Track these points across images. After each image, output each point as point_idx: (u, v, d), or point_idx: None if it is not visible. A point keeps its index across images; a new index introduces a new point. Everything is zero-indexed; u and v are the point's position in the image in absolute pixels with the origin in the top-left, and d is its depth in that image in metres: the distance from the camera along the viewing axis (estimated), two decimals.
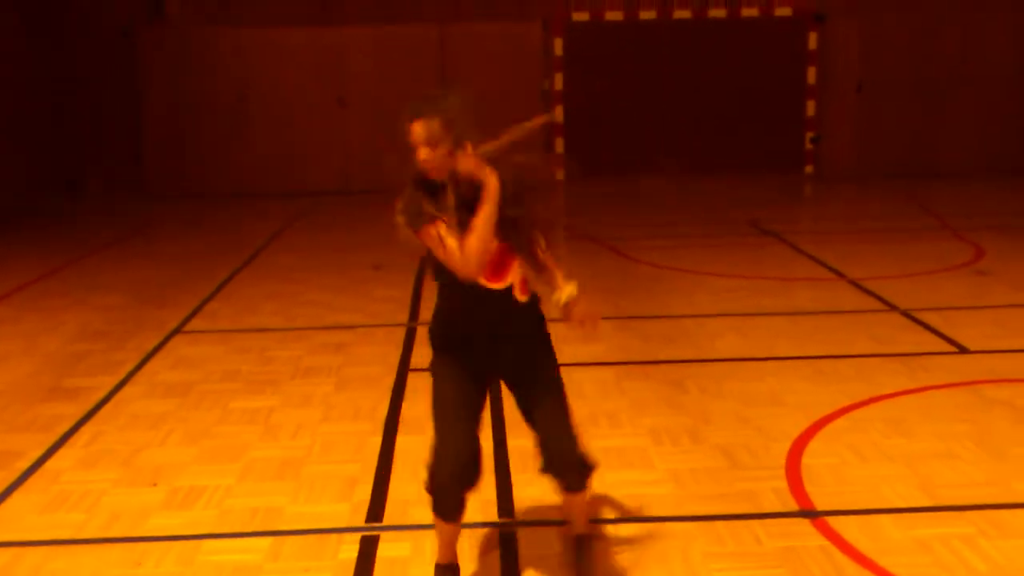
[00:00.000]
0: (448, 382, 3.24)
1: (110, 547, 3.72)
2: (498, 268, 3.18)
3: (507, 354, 3.27)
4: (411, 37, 13.29)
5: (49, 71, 12.88)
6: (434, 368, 3.30)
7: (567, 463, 3.27)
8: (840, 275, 7.91)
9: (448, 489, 3.20)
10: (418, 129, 3.08)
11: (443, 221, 3.07)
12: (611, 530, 3.75)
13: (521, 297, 3.27)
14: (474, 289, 3.15)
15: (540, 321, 3.36)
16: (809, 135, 13.93)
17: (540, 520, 3.84)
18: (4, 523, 3.94)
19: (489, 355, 3.26)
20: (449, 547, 3.41)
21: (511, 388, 3.34)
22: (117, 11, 13.32)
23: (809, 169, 14.06)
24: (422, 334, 6.39)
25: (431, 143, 3.08)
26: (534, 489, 4.09)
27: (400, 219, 3.11)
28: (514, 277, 3.22)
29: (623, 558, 3.55)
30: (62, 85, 13.11)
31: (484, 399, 3.31)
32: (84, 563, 3.61)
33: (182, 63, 13.31)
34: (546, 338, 3.36)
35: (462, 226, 3.05)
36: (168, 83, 13.31)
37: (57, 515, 3.99)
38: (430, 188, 3.10)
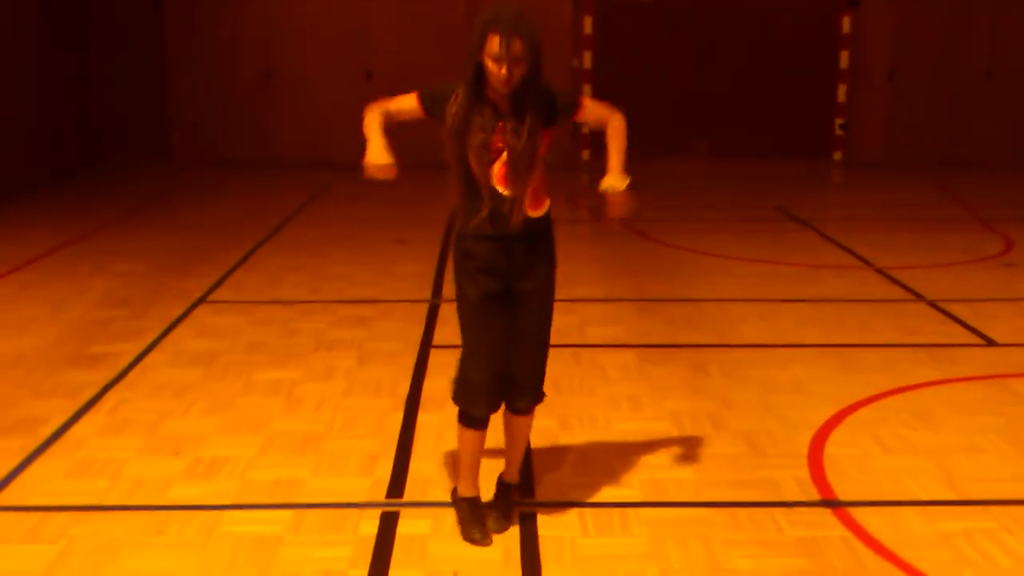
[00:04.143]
0: (471, 289, 3.39)
1: (133, 514, 3.75)
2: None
3: (507, 261, 3.37)
4: (438, 10, 13.19)
5: (77, 38, 12.89)
6: (458, 278, 3.46)
7: (523, 387, 3.47)
8: (867, 263, 7.84)
9: (475, 396, 3.42)
10: (517, 47, 3.20)
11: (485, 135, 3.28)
12: (631, 513, 3.74)
13: (531, 210, 3.36)
14: (488, 192, 3.31)
15: (545, 238, 3.45)
16: (839, 121, 13.79)
17: (559, 501, 3.84)
18: (28, 487, 3.98)
19: (496, 259, 3.36)
20: (472, 476, 3.62)
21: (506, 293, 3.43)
22: None
23: (838, 156, 13.92)
24: (445, 311, 6.39)
25: (519, 61, 3.21)
26: (554, 469, 4.09)
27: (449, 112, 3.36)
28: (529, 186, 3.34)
29: (642, 542, 3.54)
30: (90, 52, 13.13)
31: (505, 308, 3.41)
32: (107, 529, 3.64)
33: (210, 32, 13.30)
34: (546, 257, 3.45)
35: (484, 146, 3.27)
36: (195, 51, 13.30)
37: (81, 481, 4.02)
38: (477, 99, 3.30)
